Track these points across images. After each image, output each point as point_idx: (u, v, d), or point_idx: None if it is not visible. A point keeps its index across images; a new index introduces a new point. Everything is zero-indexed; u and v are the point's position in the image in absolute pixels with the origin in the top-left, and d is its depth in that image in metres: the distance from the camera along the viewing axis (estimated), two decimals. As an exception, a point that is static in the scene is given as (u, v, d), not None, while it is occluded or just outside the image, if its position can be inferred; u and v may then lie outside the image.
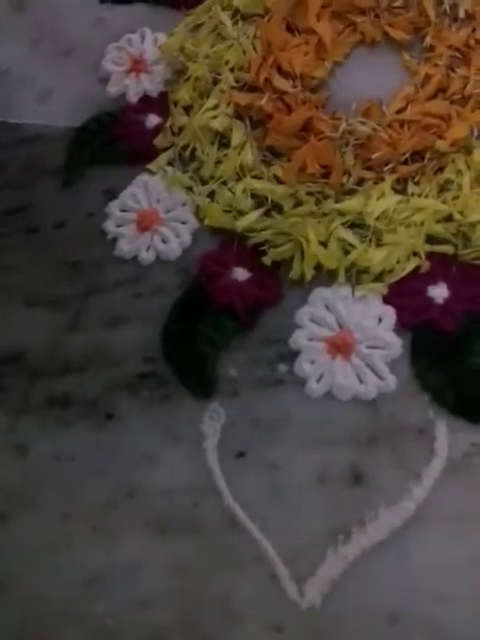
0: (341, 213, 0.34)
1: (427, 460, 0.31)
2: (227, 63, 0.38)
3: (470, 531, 0.30)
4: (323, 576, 0.30)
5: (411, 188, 0.34)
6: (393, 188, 0.34)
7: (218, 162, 0.37)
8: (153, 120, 0.39)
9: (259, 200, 0.36)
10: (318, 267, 0.34)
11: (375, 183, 0.34)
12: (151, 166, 0.38)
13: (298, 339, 0.33)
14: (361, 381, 0.32)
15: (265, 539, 0.31)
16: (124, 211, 0.38)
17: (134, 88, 0.41)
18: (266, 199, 0.35)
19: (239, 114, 0.37)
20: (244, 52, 0.38)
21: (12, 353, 0.36)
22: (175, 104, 0.39)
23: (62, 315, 0.36)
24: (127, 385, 0.35)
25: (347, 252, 0.34)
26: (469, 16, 0.38)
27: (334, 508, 0.31)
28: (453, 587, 0.29)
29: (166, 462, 0.33)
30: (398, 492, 0.30)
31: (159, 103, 0.40)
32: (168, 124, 0.39)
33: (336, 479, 0.31)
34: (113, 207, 0.38)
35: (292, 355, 0.33)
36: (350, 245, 0.34)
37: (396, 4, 0.39)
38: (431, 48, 0.37)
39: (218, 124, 0.37)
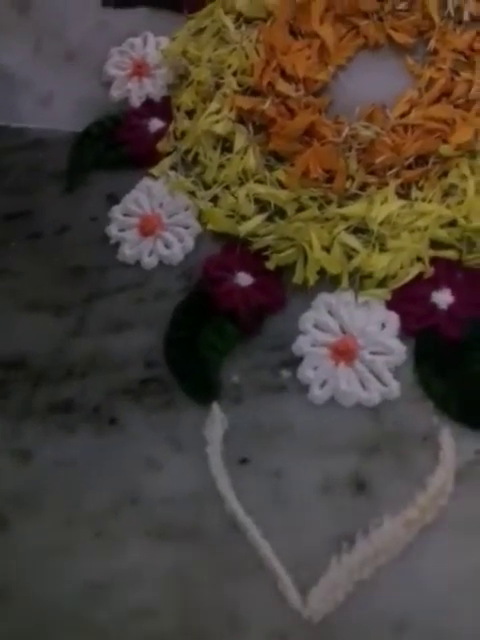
0: (344, 218, 0.34)
1: (431, 468, 0.30)
2: (230, 67, 0.38)
3: (476, 540, 0.29)
4: (326, 585, 0.29)
5: (415, 193, 0.34)
6: (397, 193, 0.34)
7: (221, 166, 0.36)
8: (156, 124, 0.39)
9: (262, 205, 0.35)
10: (321, 272, 0.33)
11: (378, 188, 0.34)
12: (154, 171, 0.38)
13: (301, 345, 0.33)
14: (364, 388, 0.32)
15: (268, 547, 0.30)
16: (127, 216, 0.37)
17: (137, 92, 0.40)
18: (269, 204, 0.35)
19: (242, 118, 0.37)
20: (247, 56, 0.38)
21: (15, 358, 0.36)
22: (178, 108, 0.39)
23: (65, 320, 0.36)
24: (130, 390, 0.34)
25: (350, 257, 0.33)
26: (473, 19, 0.37)
27: (338, 516, 0.30)
28: (459, 597, 0.29)
29: (169, 468, 0.32)
30: (402, 500, 0.30)
31: (162, 107, 0.39)
32: (171, 128, 0.38)
33: (340, 487, 0.31)
34: (116, 211, 0.37)
35: (295, 361, 0.33)
36: (353, 250, 0.33)
37: (400, 7, 0.38)
38: (435, 51, 0.37)
39: (221, 129, 0.36)
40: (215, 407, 0.33)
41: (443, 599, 0.29)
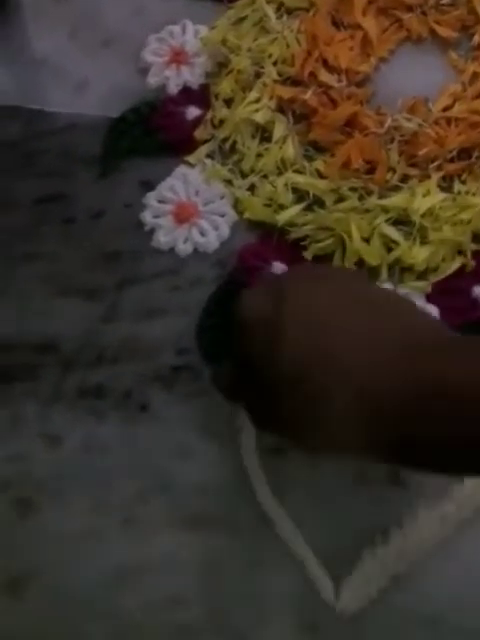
0: (385, 209, 0.34)
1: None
2: (270, 56, 0.38)
3: (512, 537, 0.29)
4: (359, 578, 0.30)
5: (457, 186, 0.34)
6: (438, 186, 0.34)
7: (259, 155, 0.37)
8: (193, 112, 0.39)
9: (300, 195, 0.35)
10: (360, 263, 0.34)
11: (420, 180, 0.34)
12: (190, 158, 0.38)
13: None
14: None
15: (300, 538, 0.30)
16: (162, 202, 0.38)
17: (174, 80, 0.40)
18: (308, 194, 0.35)
19: (281, 108, 0.37)
20: (288, 46, 0.38)
21: (46, 342, 0.36)
22: (216, 97, 0.39)
23: (97, 305, 0.36)
24: (161, 377, 0.34)
25: (390, 249, 0.33)
26: (518, 14, 0.38)
27: (372, 508, 0.30)
28: (494, 593, 0.29)
29: (200, 457, 0.32)
30: (438, 493, 0.30)
31: (200, 95, 0.39)
32: (208, 116, 0.38)
33: (375, 479, 0.31)
34: (151, 198, 0.38)
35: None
36: (393, 242, 0.33)
37: (444, 1, 0.38)
38: (479, 46, 0.37)
39: (260, 117, 0.37)
40: (248, 396, 0.33)
41: (477, 597, 0.29)
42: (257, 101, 0.37)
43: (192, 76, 0.40)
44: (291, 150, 0.36)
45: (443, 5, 0.38)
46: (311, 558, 0.30)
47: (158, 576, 0.31)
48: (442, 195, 0.33)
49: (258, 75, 0.38)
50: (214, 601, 0.31)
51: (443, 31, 0.38)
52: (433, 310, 0.32)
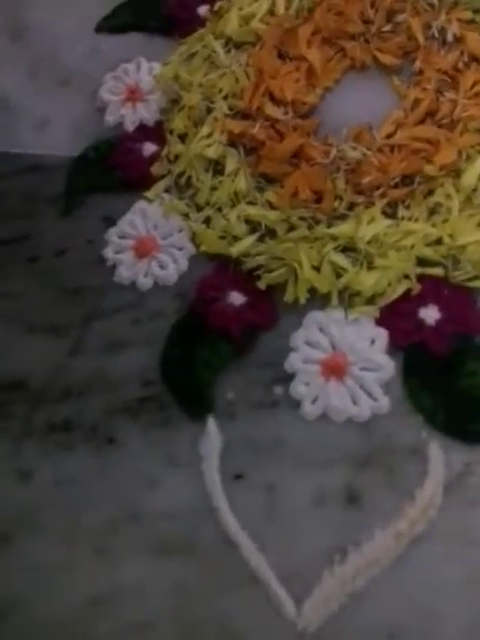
0: (333, 237, 0.36)
1: (421, 480, 0.32)
2: (220, 91, 0.40)
3: (465, 550, 0.31)
4: (320, 596, 0.31)
5: (401, 212, 0.36)
6: (384, 212, 0.36)
7: (213, 189, 0.39)
8: (149, 148, 0.41)
9: (253, 225, 0.37)
10: (312, 291, 0.35)
11: (366, 207, 0.36)
12: (148, 194, 0.40)
13: (293, 362, 0.35)
14: (355, 403, 0.33)
15: (263, 560, 0.32)
16: (122, 238, 0.40)
17: (131, 117, 0.42)
18: (260, 224, 0.37)
19: (233, 142, 0.39)
20: (237, 80, 0.40)
21: (14, 380, 0.38)
22: (171, 132, 0.41)
23: (63, 341, 0.38)
24: (127, 409, 0.36)
25: (339, 275, 0.35)
26: (457, 39, 0.40)
27: (330, 529, 0.32)
28: (449, 604, 0.30)
29: (166, 485, 0.34)
30: (393, 512, 0.32)
31: (155, 131, 0.42)
32: (164, 152, 0.40)
33: (332, 500, 0.32)
34: (112, 234, 0.40)
35: (287, 378, 0.35)
36: (342, 269, 0.35)
37: (385, 29, 0.40)
38: (420, 72, 0.39)
39: (212, 152, 0.39)
40: (211, 424, 0.34)
41: (433, 609, 0.30)
42: (209, 136, 0.40)
43: (148, 113, 0.42)
44: (243, 183, 0.38)
45: (384, 32, 0.40)
46: (273, 579, 0.32)
47: (129, 603, 0.33)
48: (386, 222, 0.35)
49: (209, 110, 0.40)
50: (183, 625, 0.32)
51: (385, 58, 0.40)
52: (382, 333, 0.34)
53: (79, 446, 0.36)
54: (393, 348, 0.34)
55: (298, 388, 0.34)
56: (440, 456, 0.32)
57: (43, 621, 0.33)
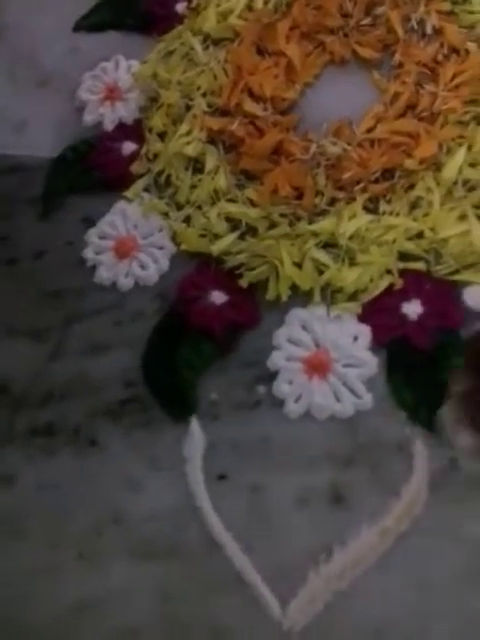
0: (314, 234, 0.35)
1: (406, 477, 0.32)
2: (199, 88, 0.40)
3: (450, 546, 0.31)
4: (305, 596, 0.31)
5: (383, 206, 0.36)
6: (365, 207, 0.36)
7: (193, 187, 0.38)
8: (129, 147, 0.41)
9: (234, 223, 0.37)
10: (294, 288, 0.35)
11: (347, 203, 0.36)
12: (128, 193, 0.40)
13: (276, 360, 0.34)
14: (338, 400, 0.33)
15: (247, 561, 0.32)
16: (102, 238, 0.39)
17: (110, 116, 0.42)
18: (241, 222, 0.37)
19: (212, 139, 0.39)
20: (215, 77, 0.40)
21: (-5, 384, 0.38)
22: (150, 131, 0.41)
23: (44, 344, 0.38)
24: (109, 412, 0.36)
25: (321, 272, 0.35)
26: (437, 31, 0.39)
27: (315, 528, 0.32)
28: (434, 602, 0.30)
29: (149, 487, 0.34)
30: (378, 510, 0.32)
31: (134, 130, 0.41)
32: (143, 151, 0.40)
33: (317, 499, 0.32)
34: (91, 235, 0.39)
35: (270, 377, 0.35)
36: (324, 265, 0.35)
37: (364, 22, 0.40)
38: (400, 65, 0.39)
39: (191, 150, 0.39)
40: (194, 424, 0.34)
41: (420, 606, 0.30)
42: (188, 133, 0.39)
43: (126, 111, 0.42)
44: (223, 180, 0.38)
45: (363, 26, 0.40)
46: (258, 580, 0.32)
47: (115, 607, 0.33)
48: (367, 217, 0.35)
49: (188, 108, 0.40)
50: (169, 628, 0.32)
51: (365, 52, 0.40)
52: (365, 330, 0.34)
53: (62, 450, 0.35)
54: (376, 345, 0.34)
55: (281, 387, 0.34)
56: (425, 452, 0.32)
57: (26, 627, 0.33)
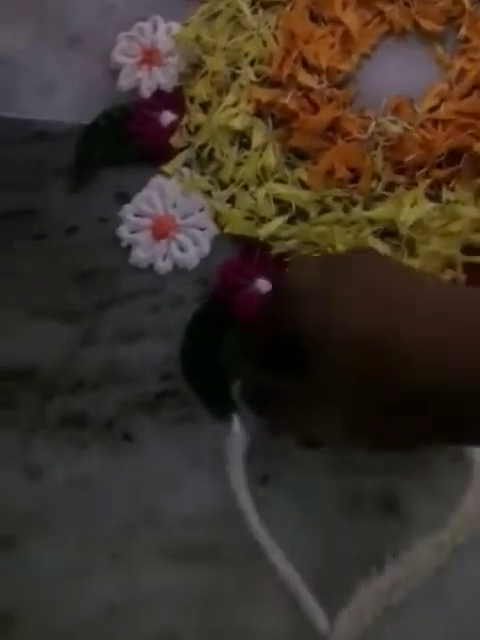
0: (371, 221, 0.34)
1: (464, 486, 0.31)
2: (247, 56, 0.37)
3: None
4: (354, 609, 0.30)
5: (446, 194, 0.34)
6: (426, 194, 0.34)
7: (238, 164, 0.36)
8: (168, 117, 0.38)
9: (283, 206, 0.35)
10: (347, 279, 0.34)
11: (407, 188, 0.34)
12: (166, 168, 0.37)
13: (326, 356, 0.33)
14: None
15: (292, 569, 0.31)
16: (138, 216, 0.37)
17: (147, 82, 0.39)
18: (290, 205, 0.35)
19: (261, 112, 0.37)
20: (265, 44, 0.37)
21: (22, 368, 0.36)
22: (191, 100, 0.38)
23: (74, 328, 0.36)
24: (145, 404, 0.34)
25: (378, 264, 0.33)
26: (507, 3, 0.37)
27: (366, 537, 0.31)
28: (493, 621, 0.29)
29: (188, 487, 0.33)
30: (433, 521, 0.30)
31: (174, 99, 0.39)
32: (184, 122, 0.38)
33: (368, 506, 0.31)
34: (127, 212, 0.37)
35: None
36: (381, 256, 0.33)
37: (428, -9, 0.38)
38: (466, 40, 0.37)
39: (238, 123, 0.36)
40: (236, 421, 0.33)
41: (475, 624, 0.29)
42: (234, 105, 0.37)
43: (165, 78, 0.39)
44: (272, 158, 0.36)
45: (427, -5, 0.38)
46: (304, 589, 0.31)
47: (149, 612, 0.32)
48: (430, 205, 0.33)
49: (234, 76, 0.38)
50: (207, 637, 0.31)
51: (427, 24, 0.37)
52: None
53: (93, 442, 0.34)
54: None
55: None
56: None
57: (53, 632, 0.32)
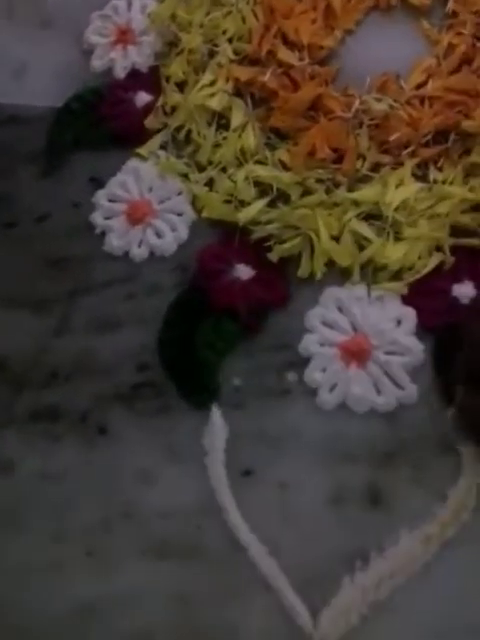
0: (355, 203, 0.33)
1: (453, 479, 0.30)
2: (225, 33, 0.37)
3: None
4: (339, 606, 0.29)
5: (433, 174, 0.33)
6: (413, 174, 0.33)
7: (216, 146, 0.35)
8: (143, 98, 0.37)
9: (263, 188, 0.34)
10: (330, 264, 0.33)
11: (393, 168, 0.33)
12: (142, 150, 0.37)
13: (308, 345, 0.32)
14: (379, 391, 0.31)
15: (274, 565, 0.30)
16: (113, 201, 0.36)
17: (121, 62, 0.39)
18: (271, 187, 0.34)
19: (239, 91, 0.36)
20: (244, 20, 0.37)
21: (-8, 360, 0.35)
22: (167, 80, 0.37)
23: (46, 318, 0.35)
24: (120, 396, 0.33)
25: (362, 247, 0.33)
26: (496, -24, 0.36)
27: (350, 531, 0.30)
28: (482, 617, 0.29)
29: (165, 480, 0.32)
30: (420, 514, 0.29)
31: (149, 78, 0.38)
32: (160, 102, 0.37)
33: (352, 499, 0.30)
34: (100, 197, 0.36)
35: (302, 362, 0.32)
36: (365, 239, 0.32)
37: (413, -37, 0.37)
38: (454, 14, 0.36)
39: (216, 103, 0.35)
40: (215, 413, 0.32)
41: (466, 621, 0.28)
42: (212, 84, 0.36)
43: (140, 57, 0.39)
44: (251, 139, 0.35)
45: (413, -33, 0.37)
46: (286, 586, 0.30)
47: (125, 610, 0.31)
48: (417, 186, 0.32)
49: (212, 54, 0.37)
50: (184, 635, 0.30)
51: (414, -3, 0.36)
52: (410, 313, 0.32)
53: (67, 436, 0.33)
54: (423, 330, 0.31)
55: (314, 374, 0.32)
56: (475, 452, 0.30)
57: (25, 629, 0.31)
